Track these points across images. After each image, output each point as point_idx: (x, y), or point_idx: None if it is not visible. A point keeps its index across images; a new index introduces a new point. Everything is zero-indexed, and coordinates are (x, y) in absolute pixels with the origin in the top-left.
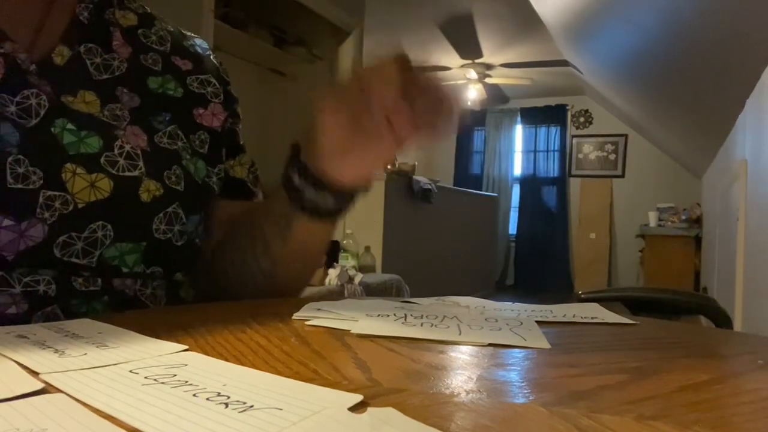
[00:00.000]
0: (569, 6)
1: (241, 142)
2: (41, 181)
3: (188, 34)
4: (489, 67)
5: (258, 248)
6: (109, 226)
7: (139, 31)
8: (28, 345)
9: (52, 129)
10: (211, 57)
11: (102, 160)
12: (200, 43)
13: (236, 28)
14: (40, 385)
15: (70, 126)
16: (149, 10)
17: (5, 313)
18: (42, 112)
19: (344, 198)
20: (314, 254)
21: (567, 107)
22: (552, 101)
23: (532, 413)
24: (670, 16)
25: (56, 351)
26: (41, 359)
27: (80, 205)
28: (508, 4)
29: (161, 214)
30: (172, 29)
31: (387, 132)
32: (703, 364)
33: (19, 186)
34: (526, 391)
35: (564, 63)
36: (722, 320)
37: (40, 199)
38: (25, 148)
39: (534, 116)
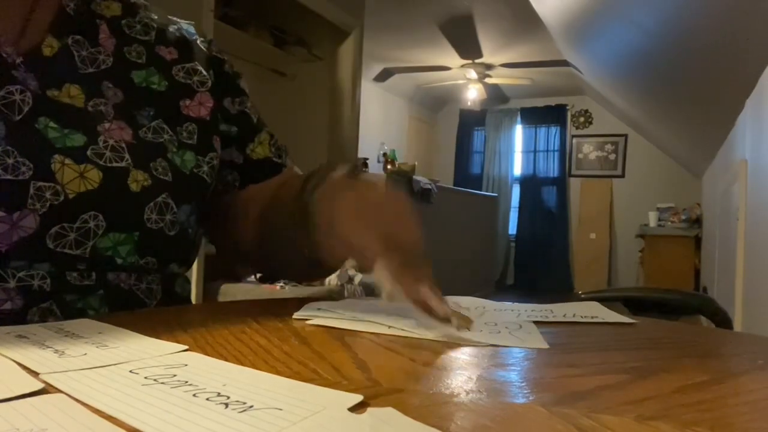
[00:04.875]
0: (569, 6)
1: (255, 121)
2: (31, 172)
3: (174, 19)
4: (489, 67)
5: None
6: (101, 216)
7: (123, 22)
8: (28, 345)
9: (36, 125)
10: (199, 41)
11: (89, 152)
12: (187, 28)
13: (236, 28)
14: (40, 385)
15: (52, 124)
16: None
17: (0, 309)
18: (25, 109)
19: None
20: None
21: (567, 107)
22: (552, 101)
23: (532, 413)
24: (670, 16)
25: (56, 351)
26: (41, 359)
27: (71, 196)
28: (508, 4)
29: (152, 204)
30: (156, 16)
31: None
32: (703, 364)
33: (9, 177)
34: (526, 391)
35: (564, 63)
36: (722, 320)
37: (31, 190)
38: (13, 141)
39: (534, 116)
